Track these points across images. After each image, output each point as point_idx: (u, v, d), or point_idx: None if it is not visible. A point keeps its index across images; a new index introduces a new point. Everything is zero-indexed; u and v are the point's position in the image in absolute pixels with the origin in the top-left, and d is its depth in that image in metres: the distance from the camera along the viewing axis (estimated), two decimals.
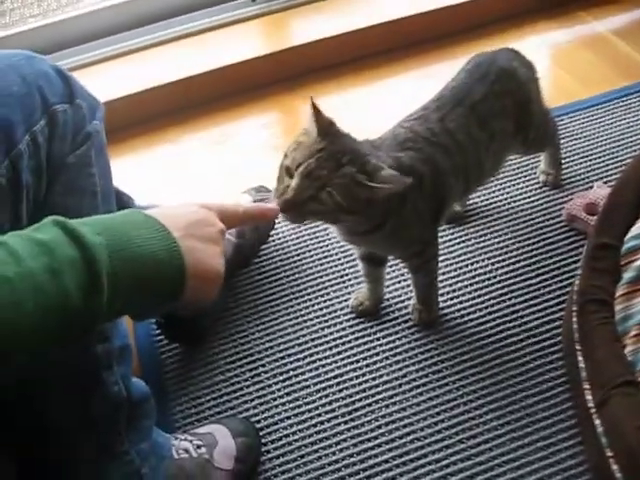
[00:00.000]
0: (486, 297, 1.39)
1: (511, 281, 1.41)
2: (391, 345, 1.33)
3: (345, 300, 1.40)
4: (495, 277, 1.42)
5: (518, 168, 1.63)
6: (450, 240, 1.49)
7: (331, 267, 1.46)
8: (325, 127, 1.07)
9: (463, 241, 1.49)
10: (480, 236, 1.49)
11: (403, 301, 1.39)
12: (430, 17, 2.02)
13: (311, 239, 1.51)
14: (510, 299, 1.38)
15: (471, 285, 1.41)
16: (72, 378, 0.95)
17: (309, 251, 1.49)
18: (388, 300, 1.39)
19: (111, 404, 0.99)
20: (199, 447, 1.14)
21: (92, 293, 0.65)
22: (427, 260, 1.30)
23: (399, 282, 1.42)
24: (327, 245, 1.50)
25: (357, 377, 1.29)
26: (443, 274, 1.43)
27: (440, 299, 1.38)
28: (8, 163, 0.81)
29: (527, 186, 1.59)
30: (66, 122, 0.89)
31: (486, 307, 1.38)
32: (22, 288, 0.61)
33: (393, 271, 1.44)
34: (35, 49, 0.97)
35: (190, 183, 1.67)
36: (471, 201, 1.55)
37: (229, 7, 2.10)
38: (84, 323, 0.66)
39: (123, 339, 1.02)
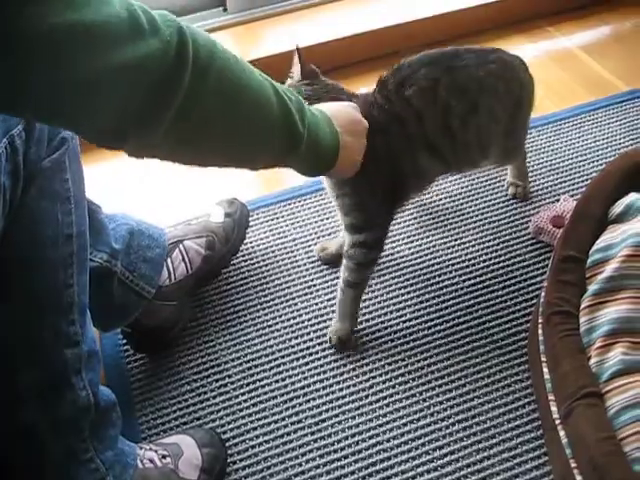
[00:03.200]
0: (453, 308, 1.40)
1: (478, 293, 1.42)
2: (358, 356, 1.33)
3: (312, 311, 1.40)
4: (462, 288, 1.43)
5: (485, 180, 1.64)
6: (418, 251, 1.50)
7: (299, 278, 1.46)
8: (308, 71, 1.21)
9: (431, 252, 1.49)
10: (448, 247, 1.50)
11: (370, 312, 1.39)
12: (402, 29, 2.04)
13: (279, 250, 1.51)
14: (477, 311, 1.39)
15: (438, 297, 1.42)
16: (42, 381, 0.95)
17: (277, 262, 1.49)
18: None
19: (78, 409, 0.99)
20: (164, 457, 1.13)
21: (300, 120, 0.93)
22: (375, 242, 1.28)
23: (366, 293, 1.42)
24: (295, 256, 1.49)
25: (324, 388, 1.28)
26: (411, 285, 1.43)
27: (407, 310, 1.39)
28: None
29: (494, 198, 1.60)
30: (42, 127, 0.89)
31: (453, 319, 1.38)
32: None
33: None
34: None
35: (159, 192, 1.66)
36: (438, 212, 1.56)
37: (201, 16, 2.10)
38: (282, 145, 0.94)
39: (91, 344, 1.01)
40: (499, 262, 1.48)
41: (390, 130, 1.20)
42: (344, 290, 1.31)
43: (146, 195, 1.65)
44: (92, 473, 1.02)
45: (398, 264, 1.47)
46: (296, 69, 1.21)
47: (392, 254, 1.49)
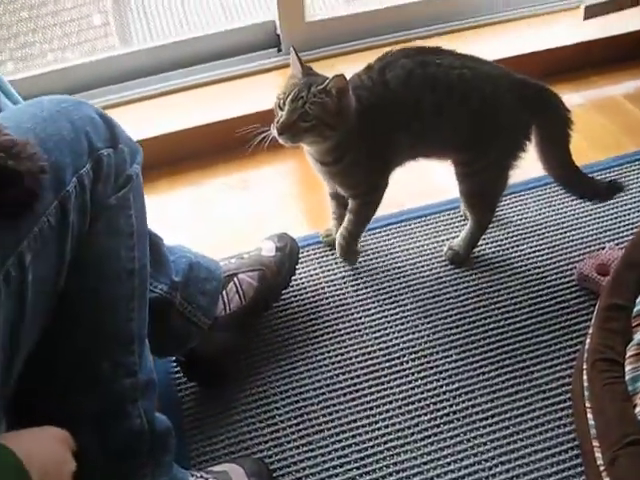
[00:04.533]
0: (498, 351, 1.42)
1: (522, 337, 1.44)
2: (404, 394, 1.35)
3: (359, 348, 1.43)
4: (507, 332, 1.45)
5: (531, 226, 1.67)
6: (464, 294, 1.53)
7: (347, 315, 1.49)
8: (305, 70, 1.37)
9: (477, 295, 1.52)
10: (494, 291, 1.53)
11: (417, 352, 1.42)
12: None
13: (328, 286, 1.55)
14: (521, 354, 1.41)
15: (484, 339, 1.44)
16: (99, 409, 0.99)
17: (326, 298, 1.53)
18: (402, 350, 1.42)
19: (133, 436, 1.02)
20: None
21: None
22: (367, 203, 1.51)
23: (413, 333, 1.45)
24: (344, 293, 1.54)
25: (370, 424, 1.31)
26: (457, 327, 1.46)
27: (453, 351, 1.42)
28: (57, 204, 0.86)
29: (539, 244, 1.63)
30: (109, 166, 0.94)
31: (498, 361, 1.40)
32: None
33: (401, 321, 1.47)
34: (68, 88, 1.02)
35: (212, 226, 1.72)
36: (485, 257, 1.59)
37: (256, 56, 2.17)
38: None
39: (149, 374, 1.05)
40: (544, 307, 1.50)
41: (373, 107, 1.38)
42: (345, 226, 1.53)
43: (196, 227, 1.71)
44: None
45: (445, 305, 1.50)
46: (297, 69, 1.37)
47: (439, 295, 1.52)
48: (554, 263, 1.59)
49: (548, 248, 1.62)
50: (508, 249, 1.62)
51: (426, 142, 1.46)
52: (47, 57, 2.81)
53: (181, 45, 2.18)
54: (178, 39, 2.21)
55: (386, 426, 1.31)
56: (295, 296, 1.53)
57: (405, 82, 1.38)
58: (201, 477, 1.17)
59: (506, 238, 1.64)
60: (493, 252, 1.61)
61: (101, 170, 0.93)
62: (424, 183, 1.73)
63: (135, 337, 1.00)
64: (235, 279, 1.41)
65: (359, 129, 1.38)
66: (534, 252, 1.61)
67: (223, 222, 1.74)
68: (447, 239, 1.63)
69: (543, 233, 1.66)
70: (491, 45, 2.16)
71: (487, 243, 1.63)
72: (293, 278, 1.52)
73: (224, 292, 1.38)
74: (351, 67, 2.08)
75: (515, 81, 1.43)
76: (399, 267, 1.59)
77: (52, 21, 2.81)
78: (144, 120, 1.94)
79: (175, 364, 1.40)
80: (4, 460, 0.70)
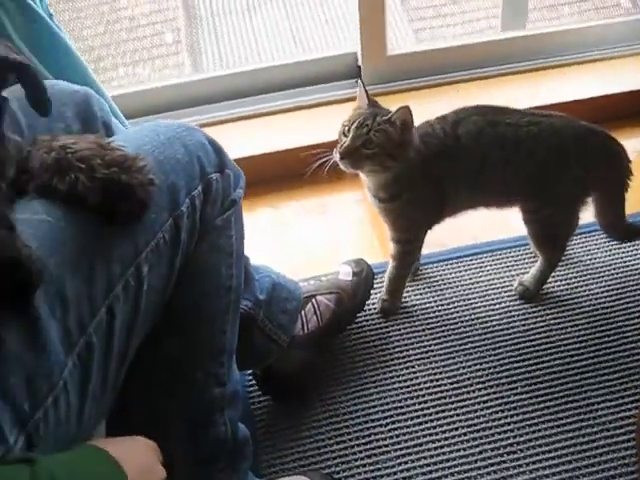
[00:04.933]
0: (563, 387, 1.45)
1: (588, 374, 1.47)
2: (469, 422, 1.40)
3: (428, 375, 1.48)
4: (573, 369, 1.49)
5: (600, 266, 1.70)
6: (532, 329, 1.57)
7: (417, 342, 1.55)
8: (371, 101, 1.44)
9: (544, 331, 1.56)
10: (561, 328, 1.56)
11: (483, 382, 1.47)
12: None
13: (400, 313, 1.61)
14: (586, 392, 1.44)
15: (549, 374, 1.48)
16: (189, 415, 1.06)
17: (397, 324, 1.58)
18: (469, 379, 1.47)
19: (218, 443, 1.10)
20: None
21: None
22: (407, 252, 1.57)
23: (480, 364, 1.50)
24: (414, 321, 1.59)
25: (435, 449, 1.36)
26: (523, 360, 1.50)
27: (519, 384, 1.46)
28: (172, 222, 0.94)
29: (608, 284, 1.66)
30: (217, 189, 1.02)
31: (562, 396, 1.44)
32: None
33: (469, 351, 1.52)
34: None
35: (289, 249, 1.79)
36: (553, 294, 1.63)
37: (336, 86, 2.24)
38: None
39: (235, 385, 1.13)
40: (610, 347, 1.52)
41: (440, 156, 1.45)
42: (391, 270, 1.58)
43: (274, 249, 1.79)
44: None
45: (512, 339, 1.55)
46: (363, 101, 1.45)
47: (507, 329, 1.57)
48: (622, 304, 1.61)
49: (617, 289, 1.65)
50: (577, 287, 1.66)
51: (489, 193, 1.53)
52: (118, 71, 2.95)
53: (263, 72, 2.27)
54: (260, 66, 2.31)
55: (451, 451, 1.36)
56: (368, 320, 1.59)
57: (475, 138, 1.44)
58: None
59: (575, 277, 1.67)
60: (562, 290, 1.65)
61: (210, 193, 1.01)
62: (497, 218, 1.78)
63: (226, 350, 1.08)
64: (313, 300, 1.48)
65: (422, 173, 1.44)
66: (602, 292, 1.64)
67: (300, 246, 1.81)
68: (517, 274, 1.67)
69: (612, 274, 1.69)
70: (561, 87, 2.19)
71: (556, 281, 1.66)
72: (367, 303, 1.58)
73: (303, 312, 1.45)
74: (427, 101, 2.18)
75: (579, 130, 1.48)
76: (469, 299, 1.64)
77: (126, 36, 2.94)
78: (224, 143, 2.02)
79: (250, 377, 1.47)
80: (103, 463, 0.76)
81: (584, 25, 2.36)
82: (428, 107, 2.15)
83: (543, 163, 1.45)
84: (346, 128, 1.42)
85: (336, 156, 1.41)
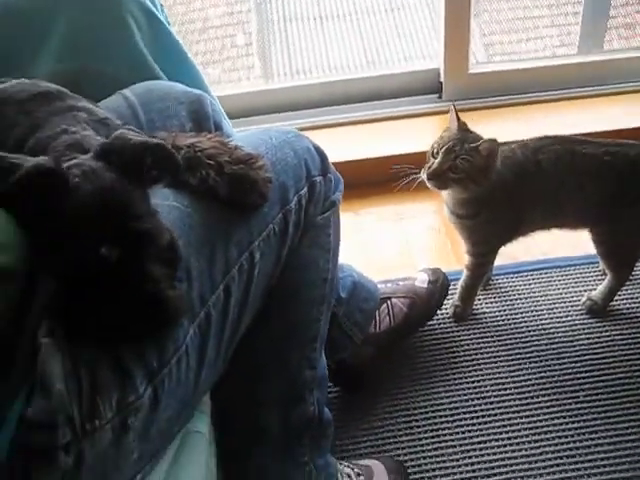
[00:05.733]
0: (624, 399, 1.53)
1: None
2: (532, 425, 1.49)
3: (495, 378, 1.58)
4: (634, 383, 1.56)
5: None
6: (597, 343, 1.65)
7: (486, 347, 1.65)
8: (461, 125, 1.52)
9: (609, 345, 1.64)
10: (625, 344, 1.64)
11: (547, 389, 1.55)
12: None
13: (471, 319, 1.71)
14: None
15: (611, 386, 1.56)
16: (283, 393, 1.18)
17: (468, 330, 1.69)
18: (533, 385, 1.56)
19: (305, 420, 1.21)
20: (359, 475, 1.34)
21: None
22: (480, 264, 1.66)
23: (545, 372, 1.58)
24: (484, 327, 1.69)
25: (498, 447, 1.46)
26: (586, 372, 1.58)
27: (581, 393, 1.54)
28: (282, 216, 1.06)
29: None
30: (320, 191, 1.14)
31: (623, 408, 1.51)
32: None
33: (534, 360, 1.60)
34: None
35: (367, 253, 1.90)
36: (620, 310, 1.71)
37: (416, 100, 2.35)
38: None
39: (323, 370, 1.24)
40: None
41: (520, 179, 1.53)
42: (464, 279, 1.68)
43: (353, 252, 1.89)
44: (307, 475, 1.23)
45: (577, 351, 1.63)
46: (454, 124, 1.53)
47: (572, 341, 1.65)
48: None
49: None
50: None
51: (563, 217, 1.61)
52: None
53: (348, 83, 2.39)
54: (345, 77, 2.44)
55: (513, 450, 1.45)
56: (441, 324, 1.69)
57: (554, 165, 1.53)
58: (348, 466, 1.35)
59: None
60: (627, 307, 1.72)
61: (314, 194, 1.12)
62: (567, 236, 1.85)
63: (319, 336, 1.19)
64: (389, 302, 1.59)
65: (502, 194, 1.53)
66: None
67: (376, 250, 1.92)
68: (584, 290, 1.75)
69: None
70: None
71: (622, 298, 1.73)
72: (440, 309, 1.68)
73: (377, 312, 1.56)
74: (506, 119, 2.27)
75: None
76: (537, 311, 1.72)
77: (198, 37, 3.05)
78: None
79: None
80: None
81: None
82: (505, 125, 2.25)
83: (615, 191, 1.54)
84: (435, 150, 1.51)
85: (424, 176, 1.50)
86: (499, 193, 1.53)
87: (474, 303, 1.72)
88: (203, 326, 0.95)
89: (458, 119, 1.54)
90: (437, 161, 1.49)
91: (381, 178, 2.11)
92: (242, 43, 3.18)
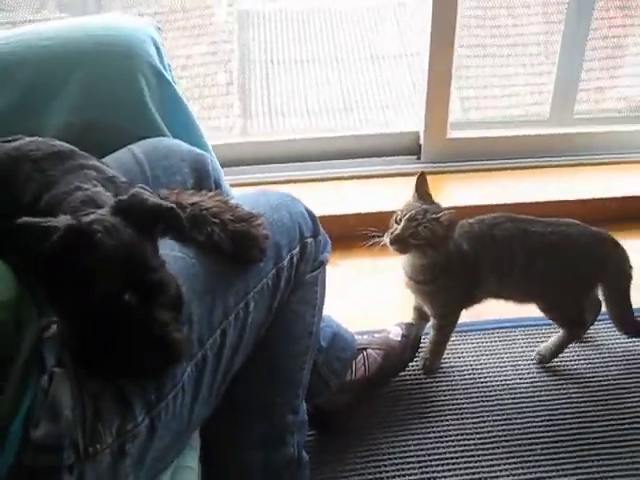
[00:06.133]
0: (577, 453, 1.64)
1: (600, 445, 1.65)
2: (492, 475, 1.60)
3: (460, 428, 1.69)
4: (587, 439, 1.66)
5: (621, 351, 1.89)
6: (555, 399, 1.76)
7: (452, 399, 1.76)
8: (425, 194, 1.65)
9: (566, 403, 1.75)
10: (580, 401, 1.76)
11: (507, 441, 1.66)
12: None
13: (439, 373, 1.82)
14: (599, 460, 1.62)
15: (567, 440, 1.66)
16: (268, 434, 1.28)
17: (436, 382, 1.80)
18: (495, 437, 1.67)
19: (285, 462, 1.31)
20: None
21: None
22: (444, 325, 1.77)
23: (506, 424, 1.69)
24: (451, 380, 1.80)
25: None
26: (544, 426, 1.70)
27: (537, 446, 1.65)
28: (275, 272, 1.18)
29: (628, 368, 1.85)
30: (310, 251, 1.26)
31: (576, 461, 1.62)
32: None
33: (497, 413, 1.71)
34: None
35: (345, 303, 2.00)
36: (576, 370, 1.83)
37: (395, 160, 2.49)
38: None
39: (303, 415, 1.35)
40: (623, 424, 1.70)
41: (477, 251, 1.67)
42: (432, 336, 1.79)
43: (333, 303, 1.99)
44: None
45: (537, 406, 1.75)
46: (420, 196, 1.65)
47: (532, 397, 1.77)
48: (638, 388, 1.81)
49: (634, 374, 1.84)
50: (598, 368, 1.85)
51: (510, 290, 1.77)
52: None
53: (329, 140, 2.52)
54: (327, 135, 2.56)
55: None
56: (411, 375, 1.80)
57: (507, 240, 1.68)
58: None
59: (598, 358, 1.88)
60: (584, 369, 1.85)
61: (305, 253, 1.24)
62: None
63: (302, 384, 1.30)
64: (364, 352, 1.70)
65: (459, 264, 1.67)
66: (620, 375, 1.84)
67: (354, 301, 2.03)
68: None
69: (631, 360, 1.88)
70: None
71: (580, 360, 1.87)
72: (412, 360, 1.79)
73: (354, 362, 1.66)
74: (480, 183, 2.40)
75: (589, 237, 1.73)
76: (501, 366, 1.85)
77: (180, 74, 3.11)
78: None
79: None
80: None
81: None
82: (479, 188, 2.39)
83: (558, 269, 1.70)
84: (398, 217, 1.63)
85: (387, 240, 1.63)
86: (456, 262, 1.67)
87: (442, 358, 1.83)
88: (199, 365, 1.05)
89: (424, 188, 1.67)
90: (400, 227, 1.61)
91: (360, 232, 2.23)
92: (223, 82, 3.23)
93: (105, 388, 0.94)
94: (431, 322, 1.80)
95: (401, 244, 1.62)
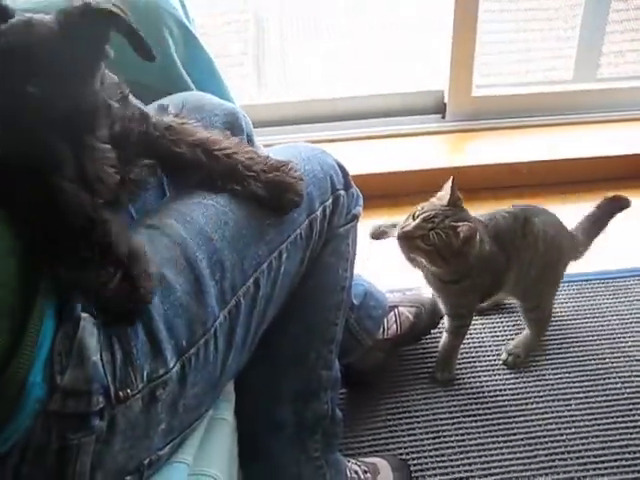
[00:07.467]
0: (614, 408, 1.62)
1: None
2: (527, 429, 1.59)
3: (493, 384, 1.68)
4: (624, 394, 1.66)
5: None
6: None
7: (484, 355, 1.75)
8: (454, 200, 1.48)
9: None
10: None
11: (542, 396, 1.65)
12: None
13: (470, 329, 1.79)
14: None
15: (604, 396, 1.65)
16: (300, 389, 1.27)
17: (466, 340, 1.76)
18: (529, 393, 1.65)
19: (318, 417, 1.29)
20: (366, 472, 1.43)
21: None
22: (461, 325, 1.65)
23: (539, 380, 1.68)
24: (483, 335, 1.78)
25: (495, 448, 1.55)
26: (579, 381, 1.68)
27: (573, 401, 1.63)
28: (308, 222, 1.16)
29: None
30: (343, 204, 1.23)
31: (613, 417, 1.61)
32: None
33: (535, 368, 1.70)
34: None
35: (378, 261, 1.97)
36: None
37: (420, 119, 2.45)
38: None
39: (337, 372, 1.33)
40: None
41: (493, 247, 1.54)
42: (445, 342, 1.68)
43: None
44: (318, 469, 1.31)
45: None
46: (447, 195, 1.49)
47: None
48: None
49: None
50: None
51: (515, 289, 1.67)
52: None
53: (352, 100, 2.49)
54: (351, 94, 2.52)
55: (509, 452, 1.54)
56: (442, 332, 1.78)
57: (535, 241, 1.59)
58: (355, 463, 1.44)
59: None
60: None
61: (337, 206, 1.22)
62: None
63: (335, 339, 1.28)
64: (396, 310, 1.68)
65: (486, 264, 1.53)
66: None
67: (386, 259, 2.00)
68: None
69: None
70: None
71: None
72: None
73: (385, 319, 1.65)
74: (505, 140, 2.36)
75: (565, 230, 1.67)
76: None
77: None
78: None
79: None
80: None
81: None
82: (504, 146, 2.35)
83: (548, 263, 1.63)
84: (416, 213, 1.49)
85: (395, 233, 1.51)
86: (482, 263, 1.52)
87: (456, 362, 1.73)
88: (232, 313, 1.03)
89: (453, 193, 1.48)
90: (413, 224, 1.47)
91: (385, 192, 2.21)
92: (237, 52, 3.20)
93: (135, 333, 0.92)
94: (446, 326, 1.67)
95: (408, 243, 1.48)
